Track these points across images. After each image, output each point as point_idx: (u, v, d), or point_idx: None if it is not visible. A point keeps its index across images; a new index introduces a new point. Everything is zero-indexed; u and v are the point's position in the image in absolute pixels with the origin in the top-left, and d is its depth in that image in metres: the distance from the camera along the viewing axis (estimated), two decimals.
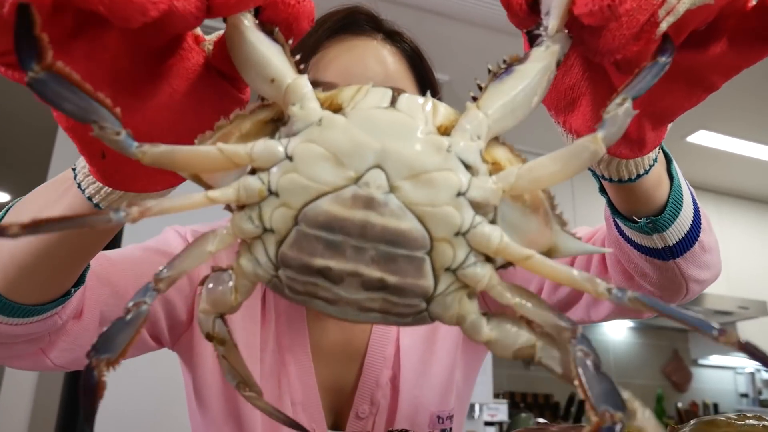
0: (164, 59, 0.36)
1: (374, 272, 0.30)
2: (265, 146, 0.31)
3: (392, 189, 0.29)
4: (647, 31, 0.32)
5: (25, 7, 0.26)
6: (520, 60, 0.32)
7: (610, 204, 0.55)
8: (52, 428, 2.18)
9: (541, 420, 3.35)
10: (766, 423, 0.55)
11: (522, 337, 0.32)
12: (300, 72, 0.32)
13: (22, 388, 2.18)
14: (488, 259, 0.31)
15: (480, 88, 0.32)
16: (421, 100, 0.31)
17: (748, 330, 4.06)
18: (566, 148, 0.31)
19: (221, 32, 0.36)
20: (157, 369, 2.13)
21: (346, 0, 0.82)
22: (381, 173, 0.29)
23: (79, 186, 0.44)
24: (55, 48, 0.30)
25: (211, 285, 0.34)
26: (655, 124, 0.42)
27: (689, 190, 0.56)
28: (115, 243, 2.14)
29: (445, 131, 0.31)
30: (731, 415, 0.57)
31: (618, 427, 0.27)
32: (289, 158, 0.30)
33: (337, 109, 0.31)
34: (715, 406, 4.24)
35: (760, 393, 4.43)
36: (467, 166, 0.30)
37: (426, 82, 0.81)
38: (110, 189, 0.42)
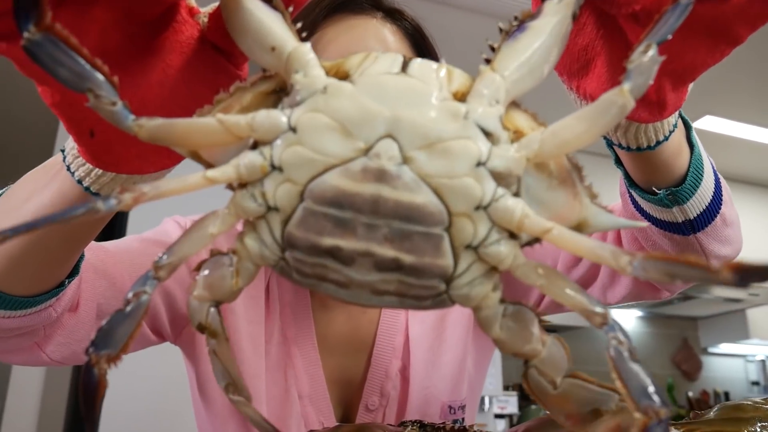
0: (156, 33, 0.34)
1: (388, 251, 0.28)
2: (267, 116, 0.28)
3: (405, 160, 0.27)
4: None
5: None
6: (533, 16, 0.30)
7: (626, 176, 0.52)
8: (60, 430, 2.18)
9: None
10: None
11: (528, 344, 0.30)
12: (302, 40, 0.30)
13: (30, 390, 2.18)
14: (512, 235, 0.29)
15: (492, 49, 0.30)
16: (434, 65, 0.29)
17: (758, 317, 4.05)
18: (591, 106, 0.28)
19: (217, 4, 0.34)
20: (160, 364, 2.13)
21: None
22: (393, 143, 0.27)
23: (68, 168, 0.42)
24: None
25: (208, 269, 0.31)
26: (675, 84, 0.39)
27: (709, 160, 0.53)
28: (119, 234, 2.13)
29: (461, 98, 0.28)
30: (757, 399, 0.55)
31: (665, 422, 0.24)
32: (293, 129, 0.28)
33: (343, 77, 0.28)
34: (726, 394, 4.23)
35: None
36: (487, 134, 0.28)
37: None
38: (101, 171, 0.40)
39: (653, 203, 0.52)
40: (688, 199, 0.50)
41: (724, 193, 0.55)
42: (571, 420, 0.30)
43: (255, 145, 0.29)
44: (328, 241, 0.28)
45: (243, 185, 0.29)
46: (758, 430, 0.51)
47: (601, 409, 0.31)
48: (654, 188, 0.50)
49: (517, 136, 0.29)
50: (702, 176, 0.51)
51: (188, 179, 0.28)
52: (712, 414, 0.56)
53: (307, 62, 0.29)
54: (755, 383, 4.45)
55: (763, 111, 3.53)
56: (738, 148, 3.92)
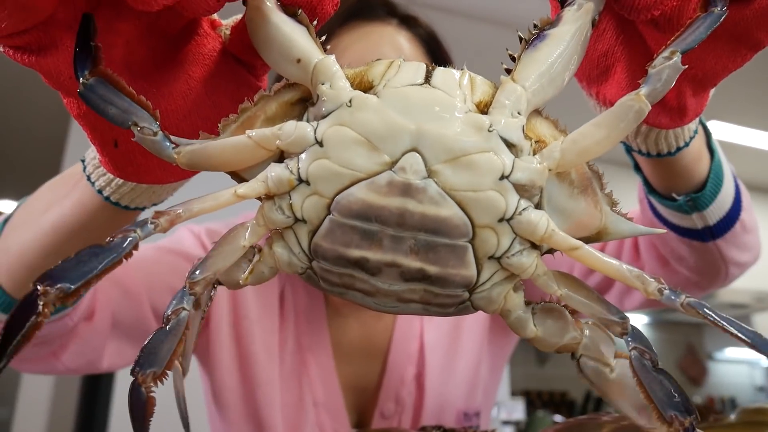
0: (179, 45, 0.34)
1: (414, 262, 0.28)
2: (294, 128, 0.29)
3: (430, 174, 0.27)
4: None
5: (88, 16, 0.26)
6: (552, 23, 0.30)
7: (645, 183, 0.52)
8: None
9: (558, 417, 3.33)
10: None
11: (567, 335, 0.30)
12: (326, 53, 0.30)
13: (39, 398, 2.18)
14: (533, 245, 0.29)
15: (513, 59, 0.30)
16: (457, 74, 0.29)
17: (764, 321, 4.03)
18: (608, 111, 0.28)
19: (238, 17, 0.35)
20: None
21: None
22: (418, 157, 0.27)
23: (89, 178, 0.42)
24: (66, 31, 0.30)
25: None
26: (696, 90, 0.39)
27: (729, 166, 0.53)
28: None
29: (484, 108, 0.29)
30: None
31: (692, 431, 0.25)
32: (319, 143, 0.28)
33: (367, 88, 0.29)
34: (732, 400, 4.21)
35: None
36: (510, 146, 0.28)
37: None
38: (121, 181, 0.40)
39: (673, 209, 0.51)
40: (708, 206, 0.50)
41: (743, 199, 0.55)
42: (644, 414, 0.30)
43: (280, 158, 0.30)
44: (355, 253, 0.28)
45: (270, 197, 0.30)
46: None
47: None
48: (674, 194, 0.50)
49: (539, 145, 0.29)
50: (722, 182, 0.50)
51: (219, 197, 0.29)
52: (732, 417, 0.56)
53: (333, 74, 0.29)
54: (761, 389, 4.44)
55: (763, 116, 3.53)
56: (745, 154, 3.91)
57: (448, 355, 0.81)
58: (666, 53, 0.28)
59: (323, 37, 0.31)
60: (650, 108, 0.28)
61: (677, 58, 0.27)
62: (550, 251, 0.31)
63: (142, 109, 0.28)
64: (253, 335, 0.76)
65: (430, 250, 0.28)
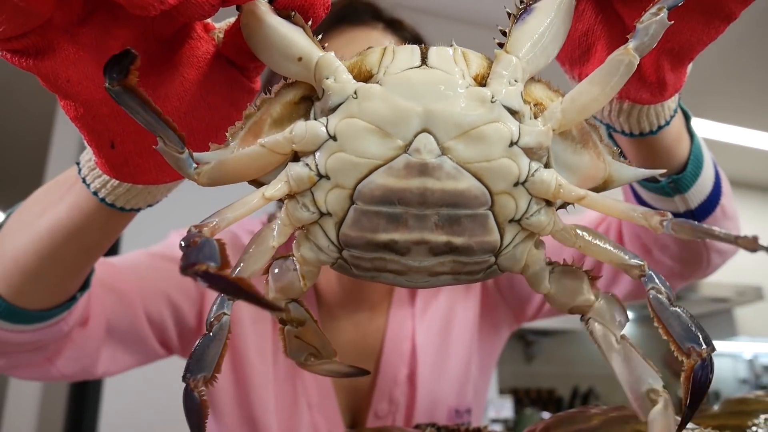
0: (174, 48, 0.35)
1: (440, 237, 0.29)
2: (306, 128, 0.30)
3: (444, 151, 0.28)
4: None
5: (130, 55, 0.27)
6: None
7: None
8: None
9: (545, 414, 3.36)
10: None
11: (580, 296, 0.32)
12: (325, 50, 0.31)
13: (28, 397, 2.17)
14: (548, 203, 0.31)
15: (503, 34, 0.31)
16: (450, 50, 0.30)
17: (745, 315, 4.10)
18: (600, 68, 0.30)
19: (231, 20, 0.35)
20: (159, 377, 2.12)
21: None
22: (429, 137, 0.28)
23: (84, 180, 0.42)
24: (63, 35, 0.30)
25: (276, 272, 0.33)
26: (674, 63, 0.40)
27: (709, 152, 0.55)
28: (114, 246, 2.12)
29: (481, 80, 0.30)
30: (760, 393, 0.57)
31: (708, 362, 0.27)
32: (333, 138, 0.29)
33: (367, 77, 0.30)
34: (716, 393, 4.27)
35: (758, 378, 4.47)
36: (513, 113, 0.29)
37: None
38: (117, 182, 0.41)
39: (655, 192, 0.53)
40: (689, 188, 0.51)
41: (723, 184, 0.56)
42: (637, 401, 0.32)
43: (296, 156, 0.31)
44: (384, 237, 0.29)
45: (292, 195, 0.31)
46: (762, 421, 0.53)
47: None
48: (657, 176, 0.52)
49: (538, 108, 0.31)
50: (702, 165, 0.52)
51: (249, 202, 0.29)
52: (716, 408, 0.58)
53: (336, 68, 0.30)
54: (744, 381, 4.50)
55: (752, 114, 3.58)
56: (726, 151, 3.97)
57: (439, 354, 0.83)
58: (653, 9, 0.29)
59: (320, 36, 0.32)
60: (638, 60, 0.29)
61: (664, 14, 0.29)
62: (563, 206, 0.33)
63: (168, 127, 0.28)
64: (247, 340, 0.78)
65: (454, 222, 0.29)
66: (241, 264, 0.30)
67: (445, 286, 0.33)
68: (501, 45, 0.31)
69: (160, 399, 2.20)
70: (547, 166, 0.31)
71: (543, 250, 0.32)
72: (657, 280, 0.29)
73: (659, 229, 0.28)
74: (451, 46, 0.31)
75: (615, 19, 0.38)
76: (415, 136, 0.28)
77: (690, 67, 0.43)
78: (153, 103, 0.27)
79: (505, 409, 3.17)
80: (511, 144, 0.29)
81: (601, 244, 0.31)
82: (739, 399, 0.58)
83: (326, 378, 0.78)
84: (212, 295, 0.77)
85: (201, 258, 0.22)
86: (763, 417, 0.53)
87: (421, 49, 0.30)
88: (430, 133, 0.28)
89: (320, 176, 0.30)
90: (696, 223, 0.28)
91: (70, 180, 0.45)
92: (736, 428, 0.53)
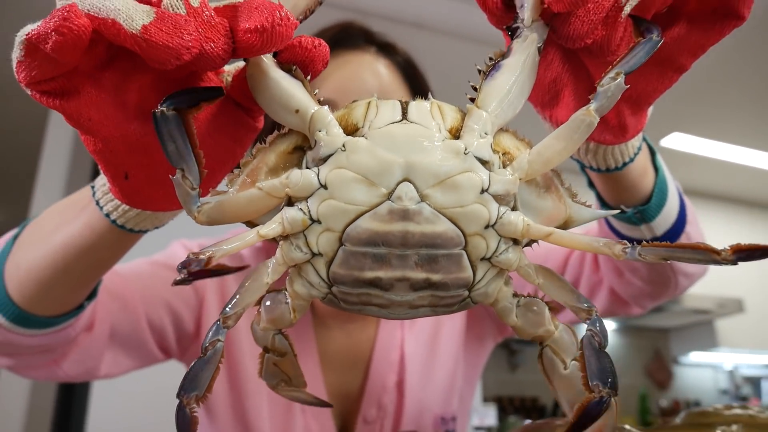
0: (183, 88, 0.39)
1: (420, 274, 0.33)
2: (300, 177, 0.33)
3: (423, 198, 0.32)
4: (613, 16, 0.34)
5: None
6: (504, 55, 0.35)
7: (599, 198, 0.57)
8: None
9: (528, 422, 3.38)
10: (750, 412, 0.59)
11: (542, 327, 0.36)
12: (321, 104, 0.34)
13: (15, 399, 2.17)
14: (515, 242, 0.35)
15: (474, 89, 0.34)
16: (428, 105, 0.34)
17: (726, 327, 4.16)
18: (564, 126, 0.34)
19: (239, 64, 0.38)
20: (146, 381, 2.13)
21: (332, 14, 0.83)
22: (410, 185, 0.32)
23: (97, 203, 0.45)
24: (87, 79, 0.33)
25: (268, 303, 0.36)
26: (633, 109, 0.44)
27: (675, 183, 0.58)
28: None
29: (455, 132, 0.33)
30: (719, 406, 0.61)
31: (605, 401, 0.30)
32: (324, 186, 0.32)
33: (353, 130, 0.33)
34: (697, 403, 4.32)
35: (738, 388, 4.52)
36: (483, 162, 0.33)
37: (421, 93, 0.84)
38: (128, 207, 0.44)
39: (623, 221, 0.57)
40: (654, 218, 0.55)
41: (688, 213, 0.60)
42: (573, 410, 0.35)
43: (290, 201, 0.34)
44: (369, 274, 0.33)
45: (286, 237, 0.34)
46: None
47: None
48: (623, 207, 0.55)
49: (506, 156, 0.35)
50: (666, 196, 0.56)
51: (244, 238, 0.33)
52: (678, 420, 0.61)
53: (329, 122, 0.33)
54: (724, 392, 4.56)
55: (731, 128, 3.65)
56: (706, 166, 4.04)
57: (427, 363, 0.87)
58: (612, 74, 0.33)
59: (316, 91, 0.35)
60: (598, 120, 0.33)
61: (621, 78, 0.33)
62: (529, 244, 0.36)
63: (194, 162, 0.32)
64: (242, 346, 0.81)
65: (432, 261, 0.33)
66: (236, 297, 0.34)
67: (424, 317, 0.37)
68: (472, 99, 0.34)
69: (147, 398, 2.20)
70: (514, 209, 0.34)
71: (511, 288, 0.36)
72: (597, 326, 0.32)
73: (622, 256, 0.32)
74: (428, 100, 0.34)
75: (580, 67, 0.42)
76: (398, 184, 0.32)
77: (651, 110, 0.47)
78: (195, 136, 0.31)
79: (489, 417, 3.19)
80: (482, 191, 0.33)
81: (558, 286, 0.34)
82: (700, 412, 0.61)
83: (319, 384, 0.82)
84: (210, 302, 0.79)
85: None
86: (720, 429, 0.57)
87: (401, 104, 0.34)
88: (410, 182, 0.32)
89: (312, 221, 0.33)
90: (658, 246, 0.31)
91: (84, 201, 0.48)
92: None
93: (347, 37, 0.80)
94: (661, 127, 3.58)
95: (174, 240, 0.86)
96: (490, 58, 0.35)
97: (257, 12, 0.31)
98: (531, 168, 0.34)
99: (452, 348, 0.89)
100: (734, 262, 0.30)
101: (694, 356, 4.47)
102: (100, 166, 0.40)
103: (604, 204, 0.57)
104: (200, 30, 0.30)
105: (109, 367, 0.70)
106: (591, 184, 0.57)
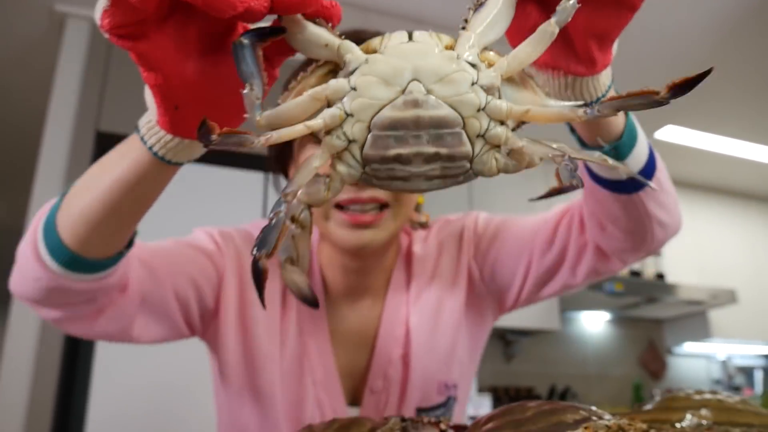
0: (224, 40, 0.49)
1: (431, 149, 0.43)
2: (336, 84, 0.44)
3: (428, 91, 0.43)
4: None
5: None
6: None
7: (579, 141, 0.66)
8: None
9: None
10: (719, 397, 0.62)
11: (524, 162, 0.46)
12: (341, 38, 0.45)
13: (17, 393, 2.19)
14: (501, 123, 0.45)
15: (465, 21, 0.46)
16: (427, 32, 0.45)
17: (719, 318, 4.21)
18: (532, 36, 0.44)
19: (261, 25, 0.49)
20: (155, 379, 2.18)
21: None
22: (418, 83, 0.43)
23: (142, 139, 0.55)
24: (155, 25, 0.45)
25: (310, 181, 0.46)
26: (599, 45, 0.53)
27: (641, 130, 0.67)
28: None
29: (450, 48, 0.44)
30: (690, 392, 0.63)
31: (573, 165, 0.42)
32: (354, 89, 0.44)
33: (373, 52, 0.44)
34: None
35: (731, 378, 4.58)
36: (472, 65, 0.44)
37: None
38: (169, 137, 0.54)
39: (603, 168, 0.66)
40: (627, 155, 0.64)
41: (658, 163, 0.70)
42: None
43: (328, 105, 0.45)
44: (392, 152, 0.43)
45: (328, 132, 0.45)
46: (687, 416, 0.59)
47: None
48: (600, 141, 0.64)
49: (490, 65, 0.45)
50: (636, 136, 0.65)
51: (295, 129, 0.43)
52: (650, 405, 0.64)
53: (352, 48, 0.45)
54: (717, 381, 4.61)
55: (724, 121, 3.70)
56: (700, 158, 4.09)
57: (430, 334, 0.94)
58: None
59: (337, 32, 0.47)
60: (557, 30, 0.43)
61: (574, 0, 0.43)
62: (515, 128, 0.47)
63: (260, 79, 0.43)
64: (258, 319, 0.90)
65: (439, 138, 0.43)
66: (292, 180, 0.45)
67: (437, 189, 0.47)
68: (463, 28, 0.45)
69: (146, 392, 2.23)
70: (499, 99, 0.45)
71: (504, 154, 0.46)
72: (571, 161, 0.43)
73: (583, 117, 0.43)
74: (428, 31, 0.45)
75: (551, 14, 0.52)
76: (409, 83, 0.43)
77: (615, 47, 0.56)
78: (261, 60, 0.43)
79: (484, 406, 3.23)
80: (473, 84, 0.43)
81: (536, 145, 0.45)
82: (671, 396, 0.64)
83: (330, 358, 0.91)
84: (229, 282, 0.91)
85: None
86: (688, 413, 0.59)
87: (407, 32, 0.45)
88: (418, 80, 0.43)
89: (347, 114, 0.44)
90: (612, 99, 0.41)
91: (129, 143, 0.57)
92: (665, 422, 0.59)
93: (358, 41, 0.89)
94: (655, 119, 3.63)
95: (197, 228, 0.96)
96: None
97: None
98: (509, 66, 0.45)
99: (454, 321, 0.96)
100: (668, 100, 0.39)
101: (688, 347, 4.52)
102: (155, 99, 0.50)
103: (583, 144, 0.66)
104: None
105: (140, 330, 0.78)
106: (572, 130, 0.67)
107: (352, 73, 0.44)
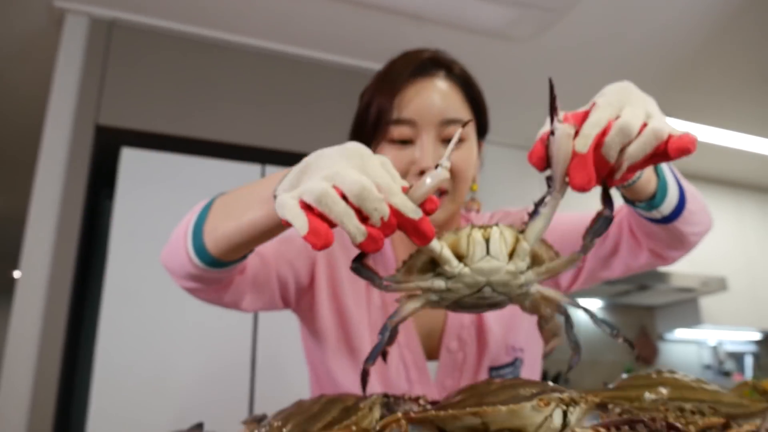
0: None
1: (489, 300, 0.72)
2: (438, 284, 0.71)
3: (494, 290, 0.69)
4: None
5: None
6: (542, 203, 0.66)
7: (623, 197, 0.82)
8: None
9: None
10: (677, 375, 0.68)
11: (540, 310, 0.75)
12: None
13: (19, 394, 2.23)
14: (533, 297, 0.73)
15: (525, 224, 0.68)
16: (497, 236, 0.67)
17: (710, 305, 4.27)
18: (565, 258, 0.74)
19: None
20: (156, 380, 2.24)
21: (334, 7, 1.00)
22: (489, 288, 0.69)
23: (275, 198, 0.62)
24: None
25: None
26: (625, 177, 0.68)
27: (673, 174, 0.82)
28: (101, 246, 2.25)
29: (511, 253, 0.68)
30: (651, 371, 0.70)
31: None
32: (448, 289, 0.70)
33: (461, 255, 0.68)
34: None
35: (722, 363, 4.65)
36: (522, 272, 0.69)
37: (476, 102, 1.04)
38: None
39: (641, 209, 0.83)
40: (660, 205, 0.81)
41: (687, 194, 0.84)
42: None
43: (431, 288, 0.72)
44: (469, 300, 0.73)
45: (426, 291, 0.72)
46: (645, 394, 0.65)
47: None
48: (637, 202, 0.80)
49: (535, 260, 0.70)
50: (667, 191, 0.80)
51: (410, 285, 0.75)
52: (611, 385, 0.70)
53: (449, 260, 0.68)
54: (708, 367, 4.67)
55: (723, 113, 3.72)
56: (697, 149, 4.10)
57: None
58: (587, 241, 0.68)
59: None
60: (581, 263, 0.69)
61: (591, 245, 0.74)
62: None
63: (371, 274, 0.70)
64: (346, 293, 1.10)
65: (495, 299, 0.72)
66: (397, 313, 0.76)
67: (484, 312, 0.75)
68: (522, 231, 0.68)
69: (146, 393, 2.28)
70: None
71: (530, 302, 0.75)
72: (570, 321, 0.75)
73: (579, 261, 0.74)
74: (498, 228, 0.68)
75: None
76: (483, 287, 0.69)
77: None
78: (372, 266, 0.68)
79: None
80: (521, 286, 0.70)
81: (554, 268, 0.75)
82: (633, 376, 0.70)
83: (410, 323, 1.08)
84: (321, 263, 1.17)
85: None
86: (646, 393, 0.65)
87: (486, 243, 0.67)
88: (490, 286, 0.69)
89: (448, 290, 0.72)
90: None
91: (265, 194, 0.69)
92: (625, 399, 0.66)
93: (423, 68, 1.00)
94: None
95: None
96: (534, 204, 0.67)
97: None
98: (546, 270, 0.71)
99: None
100: (608, 211, 0.81)
101: (679, 333, 4.56)
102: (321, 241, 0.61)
103: (626, 200, 0.82)
104: (377, 239, 0.58)
105: (247, 302, 1.00)
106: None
107: (449, 278, 0.69)
